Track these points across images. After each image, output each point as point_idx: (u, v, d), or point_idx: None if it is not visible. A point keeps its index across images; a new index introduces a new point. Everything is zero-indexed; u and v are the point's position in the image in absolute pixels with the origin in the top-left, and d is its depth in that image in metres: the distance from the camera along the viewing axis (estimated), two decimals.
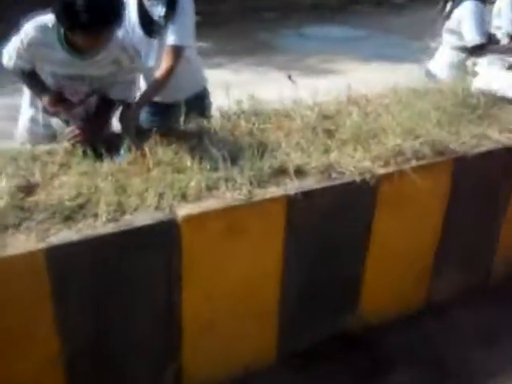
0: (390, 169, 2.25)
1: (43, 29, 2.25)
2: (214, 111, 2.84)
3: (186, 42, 2.72)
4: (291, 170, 2.13)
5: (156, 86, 2.65)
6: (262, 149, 2.20)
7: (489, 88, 2.93)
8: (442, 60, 3.81)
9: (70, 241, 1.75)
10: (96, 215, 1.84)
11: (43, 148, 2.25)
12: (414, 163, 2.29)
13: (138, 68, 2.58)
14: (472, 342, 2.64)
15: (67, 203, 1.86)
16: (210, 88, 3.06)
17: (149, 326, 1.99)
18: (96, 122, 2.39)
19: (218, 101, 2.70)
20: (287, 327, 2.32)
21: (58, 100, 2.35)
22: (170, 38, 2.67)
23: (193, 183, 2.01)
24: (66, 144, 2.25)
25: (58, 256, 1.74)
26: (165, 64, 2.66)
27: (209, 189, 2.01)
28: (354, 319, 2.51)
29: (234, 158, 2.13)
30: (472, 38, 3.56)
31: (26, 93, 2.54)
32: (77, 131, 2.25)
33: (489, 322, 2.75)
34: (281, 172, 2.14)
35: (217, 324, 2.11)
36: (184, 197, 1.96)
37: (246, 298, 2.15)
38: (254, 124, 2.45)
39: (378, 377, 2.44)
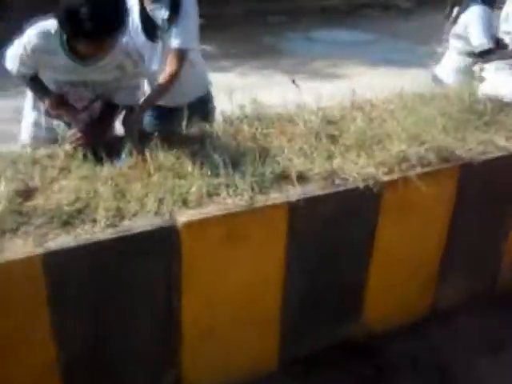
0: (395, 175, 2.22)
1: (46, 35, 2.22)
2: (218, 115, 2.82)
3: (189, 45, 2.70)
4: (294, 175, 2.10)
5: (160, 89, 2.64)
6: (265, 154, 2.17)
7: (496, 94, 2.89)
8: (449, 65, 3.78)
9: (68, 246, 1.73)
10: (95, 220, 1.82)
11: (44, 151, 2.23)
12: (418, 170, 2.26)
13: (142, 73, 2.56)
14: (478, 349, 2.61)
15: (66, 208, 1.84)
16: (214, 92, 3.04)
17: (148, 332, 1.97)
18: (99, 126, 2.37)
19: (222, 105, 2.68)
20: (289, 334, 2.28)
21: (61, 103, 2.33)
22: (174, 42, 2.65)
23: (193, 189, 1.98)
24: (67, 147, 2.23)
25: (56, 261, 1.72)
26: (169, 68, 2.65)
27: (210, 195, 1.99)
28: (357, 326, 2.48)
29: (235, 164, 2.10)
30: (479, 42, 3.52)
31: (29, 96, 2.53)
32: (79, 134, 2.23)
33: (495, 329, 2.71)
34: (283, 178, 2.11)
35: (217, 330, 2.08)
36: (184, 202, 1.94)
37: (247, 305, 2.12)
38: (256, 129, 2.43)
39: None
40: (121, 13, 2.10)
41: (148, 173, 2.05)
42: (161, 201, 1.93)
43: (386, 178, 2.19)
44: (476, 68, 3.12)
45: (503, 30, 4.08)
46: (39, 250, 1.70)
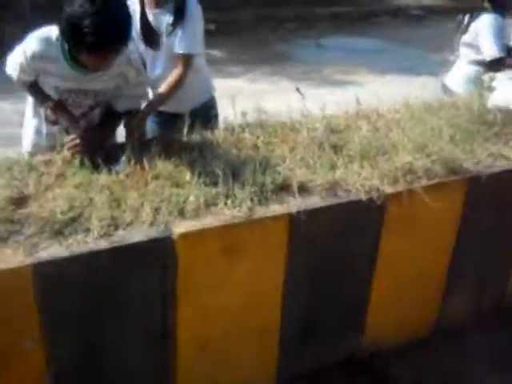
0: (399, 187, 2.15)
1: (46, 42, 2.18)
2: (222, 122, 2.78)
3: (195, 50, 2.67)
4: (295, 186, 2.04)
5: (164, 95, 2.61)
6: (265, 163, 2.11)
7: (506, 104, 2.82)
8: (459, 74, 3.72)
9: (60, 256, 1.68)
10: (88, 230, 1.77)
11: (41, 158, 2.19)
12: (424, 182, 2.19)
13: (144, 81, 2.51)
14: (485, 367, 2.53)
15: (59, 216, 1.79)
16: (222, 98, 2.98)
17: (141, 346, 1.92)
18: (98, 133, 2.33)
19: (227, 111, 2.63)
20: (288, 350, 2.22)
21: (60, 108, 2.29)
22: (179, 47, 2.62)
23: (191, 198, 1.93)
24: (65, 153, 2.18)
25: (47, 272, 1.67)
26: (174, 73, 2.61)
27: (207, 205, 1.93)
28: (360, 343, 2.41)
29: (235, 173, 2.04)
30: (490, 51, 3.46)
31: (30, 103, 2.49)
32: (77, 140, 2.19)
33: (502, 347, 2.64)
34: (284, 188, 2.05)
35: (212, 344, 2.03)
36: (181, 213, 1.88)
37: (245, 319, 2.06)
38: (258, 137, 2.37)
39: None
40: (125, 26, 2.01)
41: (145, 181, 2.01)
42: (157, 210, 1.88)
43: (390, 190, 2.13)
44: (486, 77, 3.04)
45: None
46: (30, 260, 1.65)
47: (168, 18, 2.66)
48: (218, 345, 2.04)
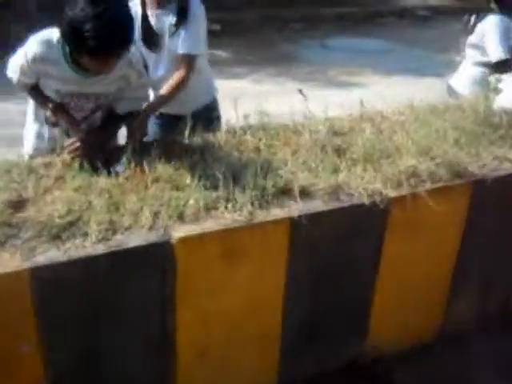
0: (403, 191, 2.12)
1: (47, 44, 2.15)
2: (225, 124, 2.75)
3: (198, 51, 2.65)
4: (296, 190, 2.01)
5: (167, 96, 2.58)
6: (267, 167, 2.09)
7: None
8: (464, 75, 3.67)
9: (57, 261, 1.66)
10: (86, 234, 1.74)
11: (41, 160, 2.17)
12: (428, 186, 2.16)
13: (146, 83, 2.49)
14: (490, 373, 2.49)
15: (57, 220, 1.77)
16: (226, 99, 2.95)
17: (140, 352, 1.89)
18: (100, 135, 2.31)
19: (229, 113, 2.60)
20: (289, 355, 2.19)
21: (61, 110, 2.27)
22: (183, 47, 2.60)
23: (191, 202, 1.90)
24: (65, 156, 2.16)
25: (44, 276, 1.65)
26: (177, 74, 2.59)
27: (207, 209, 1.90)
28: (363, 348, 2.38)
29: (236, 176, 2.02)
30: (496, 53, 3.42)
31: (31, 106, 2.47)
32: (77, 144, 2.16)
33: (508, 352, 2.60)
34: (285, 192, 2.02)
35: (212, 350, 2.00)
36: (181, 217, 1.86)
37: (245, 324, 2.04)
38: (260, 139, 2.34)
39: None
40: (127, 29, 1.98)
41: (145, 184, 1.98)
42: (156, 214, 1.85)
43: (393, 194, 2.09)
44: (492, 79, 3.00)
45: None
46: (27, 264, 1.63)
47: (171, 19, 2.64)
48: (218, 350, 2.01)
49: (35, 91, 2.32)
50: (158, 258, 1.78)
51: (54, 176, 2.05)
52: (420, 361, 2.49)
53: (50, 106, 2.26)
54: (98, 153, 2.14)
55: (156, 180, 2.01)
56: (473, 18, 3.60)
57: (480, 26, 3.54)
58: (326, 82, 6.82)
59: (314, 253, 2.05)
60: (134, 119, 2.37)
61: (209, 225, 1.84)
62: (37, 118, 2.45)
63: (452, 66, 3.97)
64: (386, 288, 2.29)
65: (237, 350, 2.07)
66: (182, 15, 2.60)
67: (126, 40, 1.98)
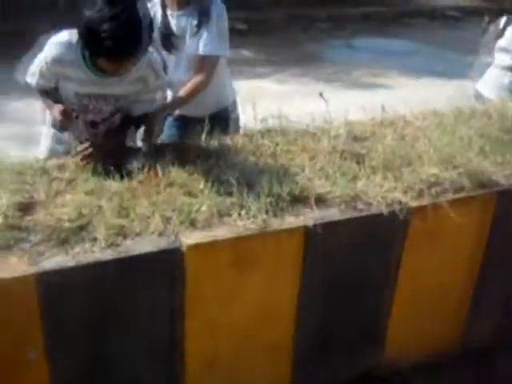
0: (424, 201, 2.04)
1: (66, 46, 2.15)
2: (243, 126, 2.70)
3: (220, 52, 2.63)
4: (312, 198, 1.95)
5: (186, 96, 2.56)
6: (283, 173, 2.03)
7: None
8: (492, 80, 3.57)
9: (65, 266, 1.63)
10: (95, 239, 1.71)
11: (55, 162, 2.15)
12: (450, 196, 2.08)
13: (163, 85, 2.45)
14: None
15: (66, 224, 1.74)
16: (247, 99, 2.89)
17: (148, 360, 1.85)
18: (115, 138, 2.27)
19: (249, 114, 2.54)
20: (302, 366, 2.13)
21: (66, 116, 2.23)
22: (204, 48, 2.56)
23: (203, 208, 1.86)
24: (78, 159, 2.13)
25: (51, 282, 1.62)
26: (198, 75, 2.56)
27: (220, 215, 1.86)
28: (379, 360, 2.31)
29: (251, 182, 1.97)
30: None
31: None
32: (90, 149, 2.12)
33: None
34: (301, 200, 1.96)
35: (221, 360, 1.95)
36: (192, 223, 1.81)
37: (257, 334, 1.98)
38: (277, 144, 2.28)
39: None
40: (145, 30, 1.96)
41: (157, 189, 1.94)
42: (167, 220, 1.81)
43: (414, 204, 2.02)
44: None
45: None
46: (33, 269, 1.60)
47: (191, 20, 2.60)
48: (227, 360, 1.96)
49: (47, 95, 2.31)
50: (167, 265, 1.74)
51: (66, 178, 2.02)
52: (438, 374, 2.41)
53: (57, 107, 2.24)
54: (110, 158, 2.11)
55: (169, 185, 1.97)
56: (502, 21, 3.50)
57: (510, 30, 3.44)
58: (350, 82, 6.72)
59: (329, 262, 1.99)
60: (149, 120, 2.34)
61: (221, 232, 1.80)
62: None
63: (480, 70, 3.85)
64: (404, 299, 2.21)
65: (248, 360, 2.02)
66: (205, 16, 2.57)
67: (139, 40, 1.96)
